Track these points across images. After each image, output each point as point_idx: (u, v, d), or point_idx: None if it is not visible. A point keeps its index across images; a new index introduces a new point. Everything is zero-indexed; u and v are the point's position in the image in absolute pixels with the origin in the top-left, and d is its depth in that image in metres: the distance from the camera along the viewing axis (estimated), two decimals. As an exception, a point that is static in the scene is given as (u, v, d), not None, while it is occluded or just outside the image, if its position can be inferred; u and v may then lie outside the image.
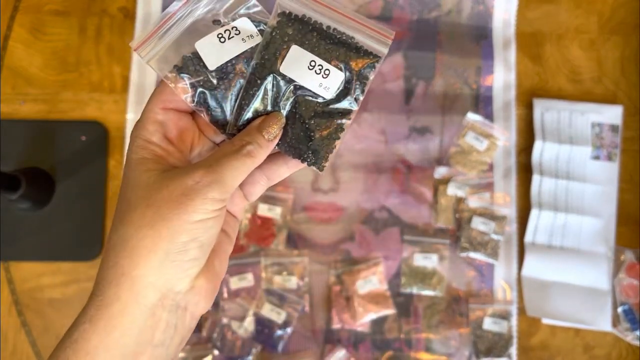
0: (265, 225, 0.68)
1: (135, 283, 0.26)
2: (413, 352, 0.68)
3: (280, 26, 0.31)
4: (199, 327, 0.66)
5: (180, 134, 0.30)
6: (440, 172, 0.71)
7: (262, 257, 0.68)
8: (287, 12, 0.31)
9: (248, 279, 0.67)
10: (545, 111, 0.73)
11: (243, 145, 0.28)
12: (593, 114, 0.73)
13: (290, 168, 0.33)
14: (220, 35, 0.30)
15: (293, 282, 0.68)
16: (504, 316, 0.68)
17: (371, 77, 0.31)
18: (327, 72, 0.31)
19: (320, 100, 0.31)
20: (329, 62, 0.31)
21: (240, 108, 0.31)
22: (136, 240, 0.26)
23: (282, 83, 0.31)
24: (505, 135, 0.71)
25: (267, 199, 0.69)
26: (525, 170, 0.72)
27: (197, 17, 0.30)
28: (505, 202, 0.71)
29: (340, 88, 0.31)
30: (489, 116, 0.73)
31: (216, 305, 0.67)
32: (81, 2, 0.74)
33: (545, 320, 0.69)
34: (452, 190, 0.70)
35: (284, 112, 0.31)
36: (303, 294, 0.68)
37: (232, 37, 0.30)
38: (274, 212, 0.69)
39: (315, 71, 0.31)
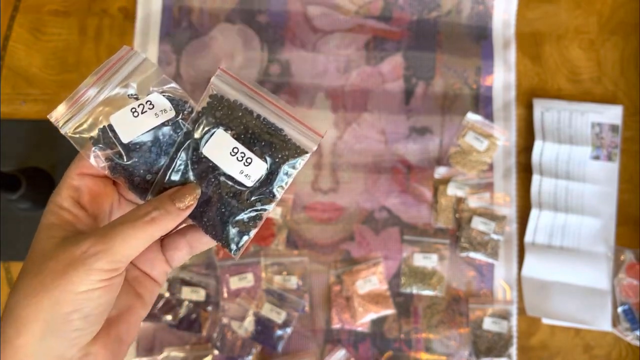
0: (265, 225, 0.68)
1: (18, 352, 0.25)
2: (413, 352, 0.68)
3: (209, 107, 0.30)
4: (199, 327, 0.66)
5: (95, 199, 0.30)
6: (440, 172, 0.71)
7: (262, 257, 0.68)
8: (219, 95, 0.30)
9: (248, 279, 0.67)
10: (545, 111, 0.73)
11: (148, 212, 0.28)
12: (593, 114, 0.73)
13: (213, 239, 0.32)
14: (133, 110, 0.30)
15: (293, 282, 0.68)
16: (504, 316, 0.68)
17: (295, 170, 0.31)
18: (249, 160, 0.30)
19: (241, 187, 0.31)
20: (252, 151, 0.30)
21: (161, 183, 0.31)
22: (20, 309, 0.26)
23: (203, 165, 0.31)
24: (505, 135, 0.71)
25: (267, 199, 0.69)
26: (525, 170, 0.72)
27: (113, 91, 0.30)
28: (505, 202, 0.71)
29: (263, 178, 0.31)
30: (489, 116, 0.73)
31: (216, 305, 0.67)
32: (81, 2, 0.74)
33: (545, 320, 0.69)
34: (452, 190, 0.70)
35: (204, 191, 0.31)
36: (303, 294, 0.68)
37: (146, 111, 0.30)
38: (274, 212, 0.69)
39: (237, 158, 0.30)
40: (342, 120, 0.72)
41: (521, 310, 0.69)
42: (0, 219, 0.68)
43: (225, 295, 0.67)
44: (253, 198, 0.31)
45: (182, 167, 0.31)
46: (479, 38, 0.75)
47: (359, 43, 0.74)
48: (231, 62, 0.73)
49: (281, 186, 0.31)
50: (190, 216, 0.31)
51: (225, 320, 0.66)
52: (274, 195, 0.31)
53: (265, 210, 0.31)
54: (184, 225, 0.32)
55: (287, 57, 0.73)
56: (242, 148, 0.30)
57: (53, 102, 0.72)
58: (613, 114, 0.73)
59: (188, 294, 0.66)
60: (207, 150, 0.30)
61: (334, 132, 0.72)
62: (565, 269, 0.70)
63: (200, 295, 0.66)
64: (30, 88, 0.72)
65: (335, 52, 0.74)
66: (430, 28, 0.75)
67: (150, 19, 0.74)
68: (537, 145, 0.72)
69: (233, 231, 0.31)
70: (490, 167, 0.72)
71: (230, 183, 0.31)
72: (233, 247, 0.31)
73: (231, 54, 0.73)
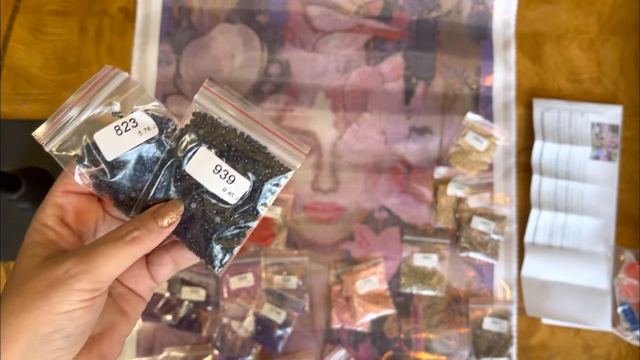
0: (265, 225, 0.68)
1: None
2: (413, 352, 0.68)
3: (192, 125, 0.31)
4: (199, 327, 0.66)
5: (79, 216, 0.31)
6: (440, 172, 0.71)
7: (262, 257, 0.68)
8: (202, 113, 0.31)
9: (248, 279, 0.67)
10: (545, 111, 0.73)
11: (129, 232, 0.28)
12: (593, 114, 0.73)
13: (197, 256, 0.32)
14: (117, 128, 0.30)
15: (293, 282, 0.68)
16: (504, 316, 0.68)
17: (279, 188, 0.31)
18: (232, 178, 0.30)
19: (224, 204, 0.31)
20: (235, 169, 0.31)
21: (144, 201, 0.31)
22: (2, 328, 0.26)
23: (187, 182, 0.31)
24: (505, 135, 0.71)
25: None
26: (525, 170, 0.73)
27: (97, 109, 0.31)
28: (505, 202, 0.71)
29: (246, 195, 0.31)
30: (489, 116, 0.73)
31: (216, 305, 0.67)
32: (81, 2, 0.74)
33: (545, 320, 0.69)
34: (452, 190, 0.70)
35: (187, 208, 0.31)
36: (303, 294, 0.68)
37: (129, 129, 0.30)
38: (274, 212, 0.69)
39: (220, 175, 0.30)
40: (342, 120, 0.72)
41: (521, 310, 0.69)
42: (0, 219, 0.68)
43: (225, 295, 0.67)
44: (236, 215, 0.31)
45: (165, 184, 0.31)
46: (479, 38, 0.75)
47: (359, 43, 0.74)
48: (231, 62, 0.73)
49: (264, 203, 0.31)
50: (175, 232, 0.31)
51: (225, 320, 0.66)
52: (257, 213, 0.31)
53: (248, 227, 0.31)
54: (168, 240, 0.32)
55: (287, 57, 0.73)
56: (225, 166, 0.31)
57: (53, 102, 0.72)
58: (613, 114, 0.73)
59: (188, 294, 0.66)
60: (190, 168, 0.31)
61: (334, 132, 0.72)
62: (565, 269, 0.70)
63: (200, 295, 0.66)
64: (30, 88, 0.72)
65: (335, 52, 0.74)
66: (430, 28, 0.75)
67: (150, 19, 0.74)
68: (537, 145, 0.72)
69: (217, 248, 0.31)
70: (490, 167, 0.72)
71: (213, 200, 0.31)
72: (217, 263, 0.31)
73: (231, 54, 0.73)
